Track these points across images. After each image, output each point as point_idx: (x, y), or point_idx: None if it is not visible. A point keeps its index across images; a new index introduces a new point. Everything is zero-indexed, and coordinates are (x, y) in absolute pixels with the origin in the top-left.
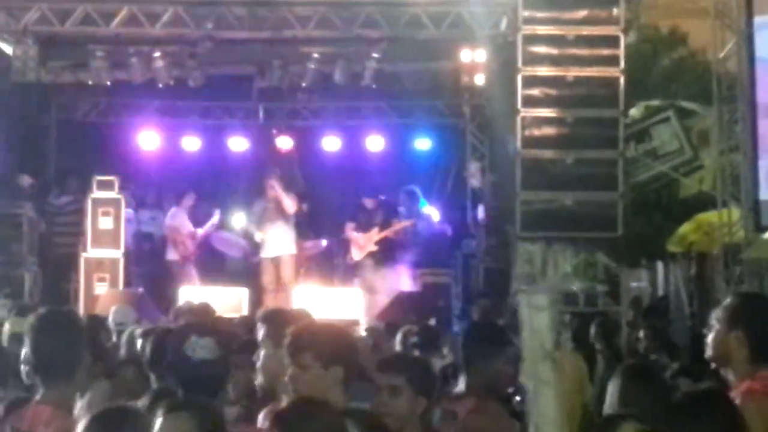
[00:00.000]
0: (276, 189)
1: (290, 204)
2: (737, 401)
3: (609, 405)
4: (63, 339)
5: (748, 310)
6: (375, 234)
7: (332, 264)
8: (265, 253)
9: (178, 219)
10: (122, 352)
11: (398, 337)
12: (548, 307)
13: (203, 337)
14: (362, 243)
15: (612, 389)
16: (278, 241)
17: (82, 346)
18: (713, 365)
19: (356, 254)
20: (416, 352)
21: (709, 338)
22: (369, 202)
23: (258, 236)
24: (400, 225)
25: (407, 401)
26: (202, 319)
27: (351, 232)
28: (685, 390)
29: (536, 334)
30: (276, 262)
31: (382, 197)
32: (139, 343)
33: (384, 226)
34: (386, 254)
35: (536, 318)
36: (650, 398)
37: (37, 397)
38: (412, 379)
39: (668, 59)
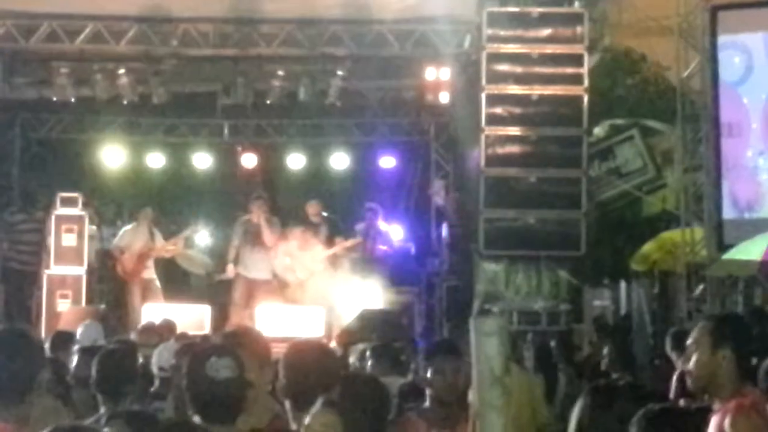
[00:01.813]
0: (259, 217)
1: (270, 238)
2: (727, 418)
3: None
4: (18, 358)
5: (731, 329)
6: (321, 252)
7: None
8: (243, 271)
9: (125, 238)
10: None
11: (354, 355)
12: (497, 332)
13: (222, 357)
14: (309, 261)
15: (577, 410)
16: (258, 264)
17: (39, 365)
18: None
19: (302, 273)
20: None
21: (691, 365)
22: (314, 217)
23: (232, 253)
24: (346, 243)
25: (345, 418)
26: (221, 340)
27: (294, 250)
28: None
29: (485, 360)
30: (251, 283)
31: (324, 213)
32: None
33: (327, 244)
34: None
35: (485, 343)
36: (615, 419)
37: None
38: (349, 397)
39: (631, 78)
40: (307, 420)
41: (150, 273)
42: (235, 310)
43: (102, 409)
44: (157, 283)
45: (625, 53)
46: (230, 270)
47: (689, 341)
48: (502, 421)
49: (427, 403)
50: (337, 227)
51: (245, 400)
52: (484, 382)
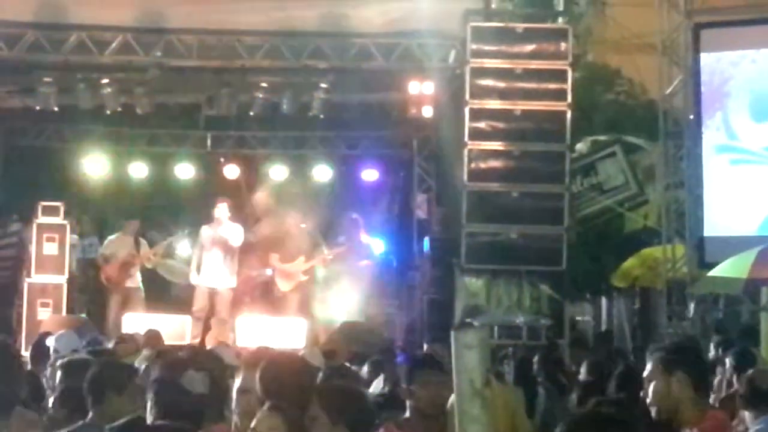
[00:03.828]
0: (222, 217)
1: (236, 236)
2: None
3: None
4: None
5: (680, 354)
6: (302, 263)
7: (277, 293)
8: (202, 281)
9: (110, 247)
10: None
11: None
12: (477, 344)
13: (199, 372)
14: (290, 273)
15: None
16: (217, 271)
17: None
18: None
19: (283, 285)
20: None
21: (650, 397)
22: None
23: (193, 262)
24: (326, 255)
25: (323, 430)
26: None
27: (275, 263)
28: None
29: (466, 372)
30: (212, 292)
31: (303, 225)
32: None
33: (309, 256)
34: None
35: (465, 356)
36: None
37: None
38: (330, 409)
39: (614, 94)
40: (253, 423)
41: (134, 282)
42: (195, 323)
43: (90, 415)
44: (142, 292)
45: (602, 67)
46: (193, 279)
47: (645, 376)
48: None
49: (407, 415)
50: (317, 239)
51: (207, 414)
52: (464, 395)
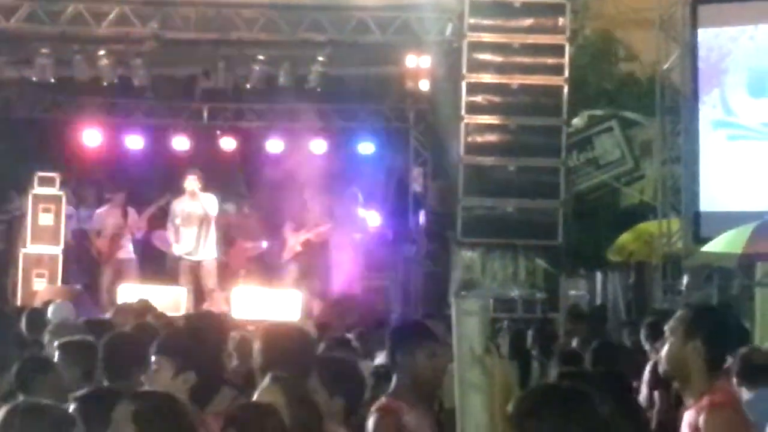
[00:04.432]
0: (194, 189)
1: (211, 206)
2: (701, 416)
3: None
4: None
5: (704, 321)
6: (302, 235)
7: (272, 265)
8: (182, 254)
9: (98, 221)
10: None
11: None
12: (478, 312)
13: None
14: (291, 243)
15: None
16: (195, 243)
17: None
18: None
19: (287, 254)
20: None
21: (664, 351)
22: (307, 203)
23: (171, 237)
24: (317, 229)
25: (320, 401)
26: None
27: (288, 231)
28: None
29: (466, 339)
30: (194, 265)
31: (314, 202)
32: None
33: (311, 229)
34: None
35: (466, 323)
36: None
37: None
38: (324, 380)
39: (612, 69)
40: (255, 395)
41: (126, 253)
42: (188, 296)
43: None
44: (135, 263)
45: (601, 40)
46: (175, 251)
47: (666, 328)
48: (483, 400)
49: (401, 385)
50: (328, 214)
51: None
52: (464, 362)
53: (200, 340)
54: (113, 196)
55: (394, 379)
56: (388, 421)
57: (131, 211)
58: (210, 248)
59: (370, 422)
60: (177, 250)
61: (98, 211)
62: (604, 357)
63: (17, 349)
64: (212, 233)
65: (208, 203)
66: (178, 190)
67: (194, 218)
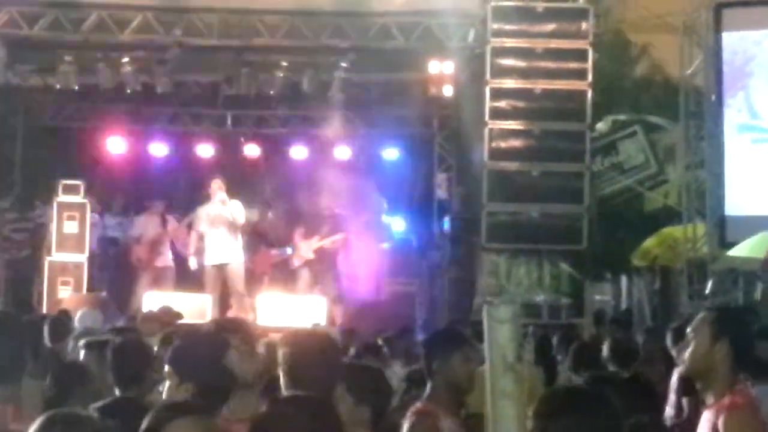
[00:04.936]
0: (220, 195)
1: (239, 213)
2: (720, 417)
3: None
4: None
5: (732, 321)
6: (315, 242)
7: (286, 271)
8: (208, 260)
9: (137, 228)
10: None
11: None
12: (510, 319)
13: None
14: (302, 250)
15: None
16: (224, 247)
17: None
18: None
19: (297, 261)
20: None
21: (688, 352)
22: (328, 210)
23: (192, 246)
24: (333, 238)
25: (346, 409)
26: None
27: (298, 237)
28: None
29: (498, 347)
30: (221, 269)
31: (336, 209)
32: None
33: (325, 236)
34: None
35: (498, 330)
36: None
37: None
38: (351, 388)
39: (636, 74)
40: None
41: (164, 261)
42: (213, 303)
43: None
44: (173, 271)
45: (624, 45)
46: (193, 262)
47: (689, 329)
48: (515, 408)
49: (437, 391)
50: (342, 223)
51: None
52: (496, 370)
53: (196, 351)
54: (151, 204)
55: (429, 384)
56: (427, 424)
57: (171, 218)
58: (238, 252)
59: (406, 425)
60: (193, 263)
61: (138, 218)
62: (628, 361)
63: (33, 359)
64: (239, 239)
65: (236, 210)
66: (203, 197)
67: (221, 221)
